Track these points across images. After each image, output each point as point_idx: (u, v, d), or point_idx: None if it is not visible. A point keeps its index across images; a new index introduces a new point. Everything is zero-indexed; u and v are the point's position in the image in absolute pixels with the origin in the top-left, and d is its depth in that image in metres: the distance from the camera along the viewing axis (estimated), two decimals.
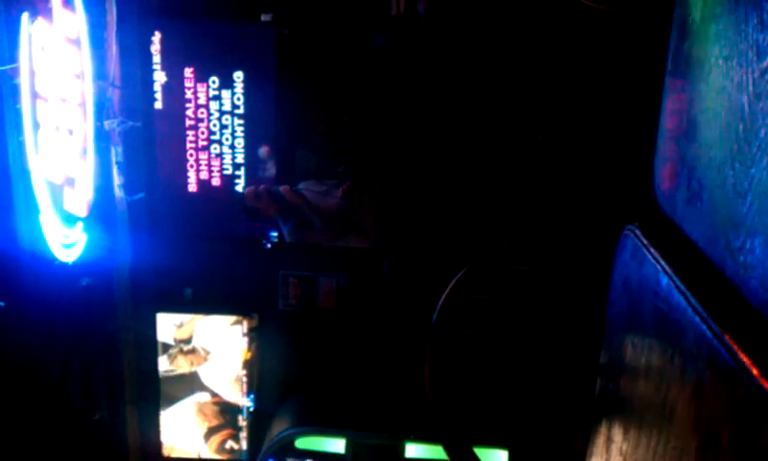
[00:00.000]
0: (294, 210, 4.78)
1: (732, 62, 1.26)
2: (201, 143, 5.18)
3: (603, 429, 1.91)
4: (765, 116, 1.14)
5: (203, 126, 5.14)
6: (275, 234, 5.22)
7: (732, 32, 1.26)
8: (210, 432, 5.82)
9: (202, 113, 5.12)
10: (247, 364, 5.62)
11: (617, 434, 1.80)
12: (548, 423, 4.85)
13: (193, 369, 5.68)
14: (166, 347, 5.65)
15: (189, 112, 5.11)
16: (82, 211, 4.75)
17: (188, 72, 5.05)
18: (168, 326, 5.61)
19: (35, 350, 4.85)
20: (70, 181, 4.60)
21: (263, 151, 5.05)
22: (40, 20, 4.12)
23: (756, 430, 1.05)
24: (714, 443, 1.20)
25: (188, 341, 5.65)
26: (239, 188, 5.21)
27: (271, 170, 5.13)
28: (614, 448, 1.81)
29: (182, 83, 5.07)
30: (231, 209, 5.19)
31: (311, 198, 4.71)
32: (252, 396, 5.70)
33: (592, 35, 4.57)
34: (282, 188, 4.80)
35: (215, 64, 5.05)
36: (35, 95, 4.14)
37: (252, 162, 5.18)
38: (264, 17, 4.96)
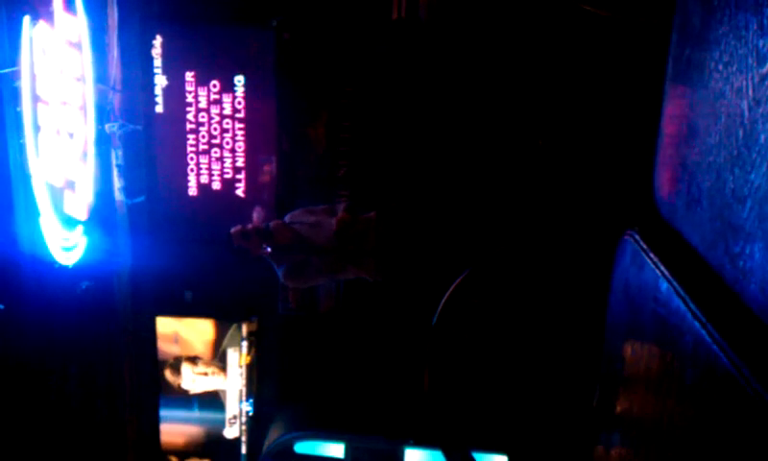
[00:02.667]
0: (286, 250, 4.37)
1: (732, 68, 1.26)
2: (201, 147, 5.18)
3: (602, 435, 1.90)
4: (765, 122, 1.14)
5: (203, 130, 5.15)
6: None
7: (732, 37, 1.26)
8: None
9: (202, 117, 5.12)
10: (246, 368, 5.62)
11: (616, 440, 1.80)
12: (547, 428, 4.84)
13: (204, 381, 5.71)
14: (176, 362, 5.70)
15: (190, 116, 5.12)
16: (82, 215, 4.75)
17: (189, 76, 5.06)
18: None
19: (34, 352, 4.84)
20: (70, 185, 4.61)
21: (257, 213, 4.98)
22: (42, 23, 4.12)
23: (753, 437, 1.05)
24: (713, 448, 1.20)
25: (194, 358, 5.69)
26: (239, 192, 5.21)
27: (271, 173, 5.15)
28: (614, 453, 1.81)
29: (183, 86, 5.07)
30: (232, 213, 5.19)
31: (303, 232, 4.33)
32: (251, 400, 5.69)
33: (593, 40, 4.58)
34: (272, 224, 4.32)
35: (216, 68, 5.06)
36: (36, 98, 4.14)
37: (252, 167, 5.19)
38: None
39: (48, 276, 4.65)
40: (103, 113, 4.96)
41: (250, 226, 4.24)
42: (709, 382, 1.21)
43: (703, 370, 1.24)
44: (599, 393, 1.95)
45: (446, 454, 3.53)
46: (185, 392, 5.73)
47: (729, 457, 1.14)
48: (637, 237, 1.64)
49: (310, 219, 4.29)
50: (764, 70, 1.14)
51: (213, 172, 5.20)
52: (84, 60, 4.61)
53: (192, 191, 5.24)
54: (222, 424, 5.75)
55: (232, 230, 4.19)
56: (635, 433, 1.64)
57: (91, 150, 4.78)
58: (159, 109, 5.12)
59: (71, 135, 4.56)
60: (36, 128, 4.19)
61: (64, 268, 4.70)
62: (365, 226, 4.28)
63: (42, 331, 4.83)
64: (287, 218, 4.36)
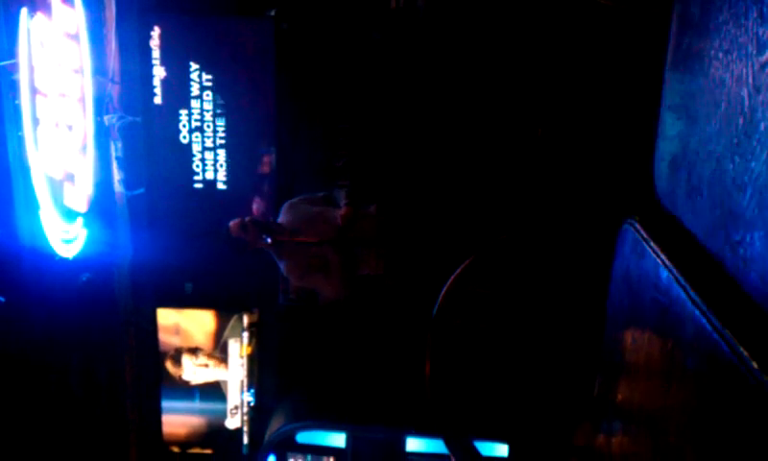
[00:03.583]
0: (286, 245, 4.32)
1: (731, 56, 1.26)
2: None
3: (603, 422, 1.91)
4: (765, 110, 1.14)
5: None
6: None
7: (732, 25, 1.26)
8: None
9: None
10: (247, 359, 5.63)
11: (617, 427, 1.81)
12: (549, 416, 4.86)
13: (205, 372, 5.71)
14: (177, 353, 5.70)
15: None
16: (82, 207, 4.75)
17: (187, 67, 5.05)
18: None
19: (35, 345, 4.85)
20: (70, 177, 4.60)
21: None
22: (39, 15, 4.11)
23: (755, 423, 1.06)
24: (714, 436, 1.20)
25: (195, 350, 5.69)
26: (239, 184, 5.21)
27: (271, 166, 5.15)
28: (614, 441, 1.82)
29: (182, 77, 5.06)
30: (231, 205, 5.18)
31: (305, 229, 4.30)
32: (252, 390, 5.71)
33: (592, 28, 4.56)
34: (281, 221, 4.32)
35: (214, 59, 5.04)
36: (34, 91, 4.13)
37: (251, 158, 5.18)
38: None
39: (48, 268, 4.65)
40: (101, 105, 4.95)
41: (248, 218, 4.24)
42: (710, 370, 1.21)
43: (703, 358, 1.24)
44: (600, 381, 1.96)
45: (448, 443, 3.54)
46: (187, 383, 5.75)
47: (730, 444, 1.15)
48: (638, 226, 1.64)
49: (312, 211, 4.29)
50: (764, 58, 1.14)
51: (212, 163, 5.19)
52: (83, 52, 4.60)
53: (191, 182, 5.24)
54: (223, 414, 5.77)
55: (231, 222, 4.19)
56: (635, 421, 1.65)
57: (90, 142, 4.77)
58: (158, 100, 5.10)
59: (70, 128, 4.55)
60: (35, 120, 4.18)
61: (65, 260, 4.70)
62: (366, 220, 4.29)
63: (43, 324, 4.82)
64: (285, 207, 4.36)
